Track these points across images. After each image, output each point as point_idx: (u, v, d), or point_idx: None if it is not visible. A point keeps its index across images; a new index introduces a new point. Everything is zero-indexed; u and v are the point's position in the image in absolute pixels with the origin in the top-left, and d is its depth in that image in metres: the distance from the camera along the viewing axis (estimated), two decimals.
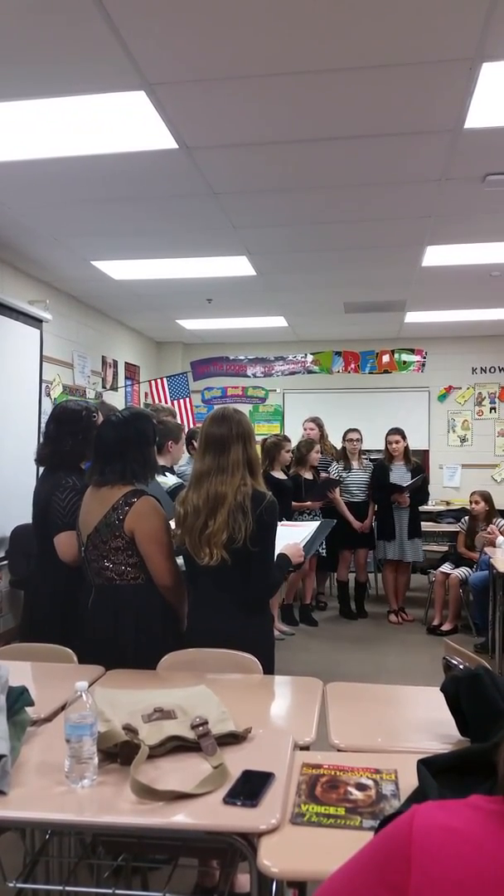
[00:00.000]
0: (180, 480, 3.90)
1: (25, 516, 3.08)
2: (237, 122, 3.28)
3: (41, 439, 3.08)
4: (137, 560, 2.52)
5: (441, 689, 1.76)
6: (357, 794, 1.45)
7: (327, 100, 3.07)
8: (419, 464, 6.73)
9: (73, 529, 2.74)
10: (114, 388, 7.88)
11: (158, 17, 2.50)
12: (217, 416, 2.56)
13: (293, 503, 5.88)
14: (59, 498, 2.83)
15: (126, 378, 8.34)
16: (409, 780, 1.33)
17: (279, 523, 2.53)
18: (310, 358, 7.39)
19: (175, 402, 7.29)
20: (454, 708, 1.74)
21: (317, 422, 6.83)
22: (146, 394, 8.24)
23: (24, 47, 2.68)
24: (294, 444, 6.27)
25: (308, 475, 6.28)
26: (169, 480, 3.80)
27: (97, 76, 2.89)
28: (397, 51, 2.71)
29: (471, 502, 6.33)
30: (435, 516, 7.58)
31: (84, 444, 2.95)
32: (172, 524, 2.58)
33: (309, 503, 6.00)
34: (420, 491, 6.52)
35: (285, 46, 2.68)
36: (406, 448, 6.56)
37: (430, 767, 1.18)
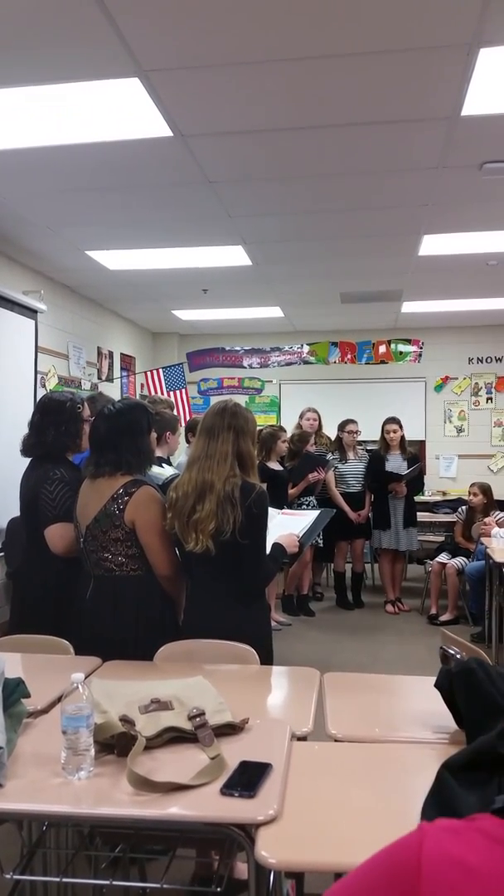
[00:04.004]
0: (177, 472, 3.89)
1: None
2: (232, 110, 3.25)
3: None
4: (136, 551, 2.51)
5: (435, 686, 1.75)
6: None
7: (323, 87, 3.04)
8: (415, 454, 6.73)
9: (64, 521, 2.74)
10: (109, 379, 7.85)
11: (153, 3, 2.46)
12: (215, 407, 2.59)
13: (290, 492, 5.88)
14: (48, 490, 2.82)
15: (122, 369, 8.31)
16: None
17: (279, 512, 2.53)
18: (306, 348, 7.38)
19: (171, 393, 7.26)
20: (450, 701, 1.74)
21: (317, 412, 6.81)
22: (142, 385, 8.22)
23: (17, 33, 2.64)
24: (289, 434, 6.25)
25: None
26: (165, 471, 3.79)
27: (90, 63, 2.85)
28: (393, 37, 2.68)
29: (470, 494, 6.33)
30: (431, 506, 7.59)
31: (67, 435, 2.94)
32: None
33: (294, 490, 5.98)
34: (415, 480, 6.52)
35: (281, 33, 2.65)
36: (402, 438, 6.56)
37: (450, 769, 1.16)
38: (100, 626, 2.50)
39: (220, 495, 2.38)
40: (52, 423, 2.94)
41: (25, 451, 3.01)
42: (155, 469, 3.57)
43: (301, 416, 6.76)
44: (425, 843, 0.71)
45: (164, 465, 3.87)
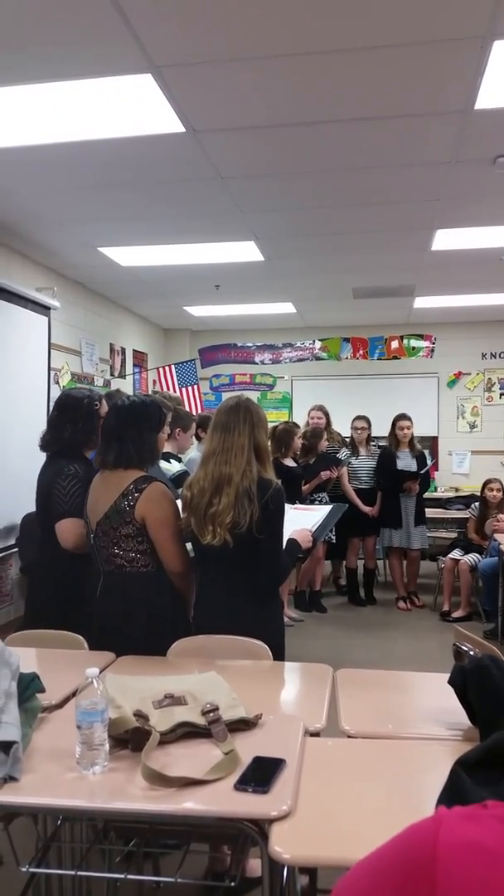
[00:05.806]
0: (185, 468, 3.90)
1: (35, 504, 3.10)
2: (245, 105, 3.24)
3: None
4: (147, 547, 2.52)
5: (449, 682, 1.75)
6: None
7: (336, 81, 3.03)
8: (422, 451, 6.68)
9: (75, 516, 2.76)
10: (122, 375, 7.87)
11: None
12: (229, 402, 2.60)
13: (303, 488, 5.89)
14: (61, 485, 2.84)
15: (134, 365, 8.32)
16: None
17: (292, 507, 2.52)
18: (318, 344, 7.36)
19: (183, 389, 7.27)
20: (463, 698, 1.73)
21: (322, 409, 6.80)
22: (154, 381, 8.24)
23: (30, 31, 2.65)
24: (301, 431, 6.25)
25: None
26: (173, 467, 3.80)
27: (103, 59, 2.85)
28: (406, 30, 2.66)
29: (492, 490, 6.23)
30: (444, 503, 7.56)
31: (83, 432, 2.97)
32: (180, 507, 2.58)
33: (306, 487, 5.99)
34: (424, 478, 6.49)
35: (293, 27, 2.63)
36: (411, 434, 6.53)
37: (464, 766, 1.16)
38: (110, 622, 2.50)
39: (238, 488, 2.39)
40: (70, 419, 2.97)
41: (43, 447, 3.05)
42: (162, 464, 3.58)
43: (308, 415, 6.76)
44: (442, 829, 0.72)
45: (171, 460, 3.88)
